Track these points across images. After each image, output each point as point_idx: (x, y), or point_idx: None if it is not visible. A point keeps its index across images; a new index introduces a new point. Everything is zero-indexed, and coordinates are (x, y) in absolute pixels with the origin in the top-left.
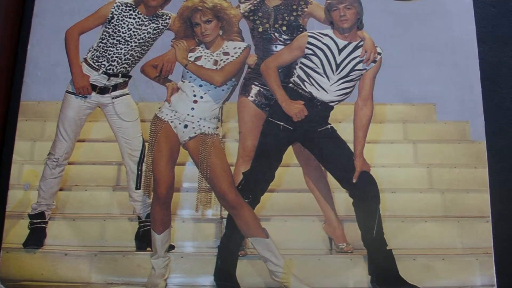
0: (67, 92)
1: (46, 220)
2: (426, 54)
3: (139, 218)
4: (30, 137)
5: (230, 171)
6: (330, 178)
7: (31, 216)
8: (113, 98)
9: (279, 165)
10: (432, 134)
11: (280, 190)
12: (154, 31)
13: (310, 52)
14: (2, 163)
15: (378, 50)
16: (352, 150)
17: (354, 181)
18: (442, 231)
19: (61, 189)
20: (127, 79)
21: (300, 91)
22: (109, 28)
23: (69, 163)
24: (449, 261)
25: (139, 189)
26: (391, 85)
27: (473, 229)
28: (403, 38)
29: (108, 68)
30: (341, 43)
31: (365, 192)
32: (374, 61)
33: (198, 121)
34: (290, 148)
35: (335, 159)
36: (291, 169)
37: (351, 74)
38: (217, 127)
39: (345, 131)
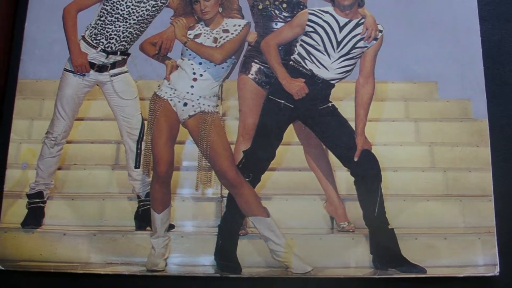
0: (65, 70)
1: (45, 199)
2: (428, 31)
3: (138, 197)
4: (28, 116)
5: (231, 150)
6: (332, 156)
7: (29, 196)
8: (111, 76)
9: (280, 143)
10: (434, 113)
11: (281, 168)
12: (153, 8)
13: (311, 29)
14: (0, 142)
15: (379, 27)
16: (354, 128)
17: (355, 159)
18: (444, 210)
19: (59, 168)
20: (125, 57)
21: (300, 68)
22: (107, 6)
23: (68, 142)
24: (451, 240)
25: (139, 167)
26: (392, 63)
27: (475, 208)
28: (404, 15)
29: (106, 45)
30: (342, 20)
31: (367, 170)
32: (375, 39)
33: (197, 99)
34: (291, 126)
35: (336, 137)
36: (292, 148)
37: (352, 51)
38: (217, 105)
39: (346, 109)
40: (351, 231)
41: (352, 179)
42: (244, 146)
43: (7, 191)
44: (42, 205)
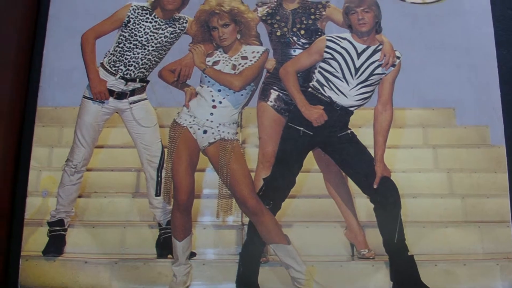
0: (84, 97)
1: (65, 227)
2: (444, 57)
3: (159, 225)
4: (47, 143)
5: (251, 177)
6: (351, 183)
7: (50, 224)
8: (131, 103)
9: (300, 170)
10: (452, 139)
11: (301, 196)
12: (171, 35)
13: (329, 56)
14: (20, 169)
15: (397, 54)
16: (373, 155)
17: (375, 186)
18: (463, 236)
19: (80, 196)
20: (144, 84)
21: (319, 95)
22: (125, 32)
23: (88, 170)
24: (470, 267)
25: (159, 195)
26: (409, 89)
27: (494, 234)
28: (421, 41)
29: (125, 72)
30: (360, 47)
31: (386, 197)
32: (393, 65)
33: (217, 127)
34: (310, 153)
35: (355, 164)
36: (311, 175)
37: (370, 78)
38: (237, 133)
39: (365, 136)
40: (371, 258)
41: (372, 206)
42: (264, 173)
43: (28, 219)
44: (63, 233)
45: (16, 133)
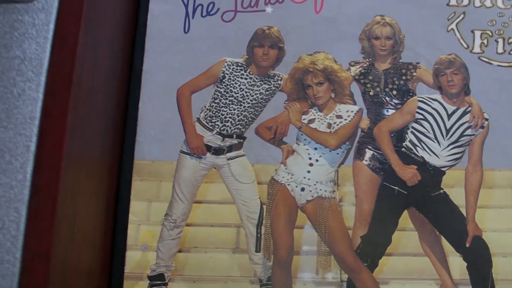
0: (182, 152)
1: (166, 281)
2: None
3: (260, 280)
4: (145, 197)
5: (348, 235)
6: (445, 242)
7: (150, 278)
8: (228, 159)
9: (396, 229)
10: None
11: (397, 253)
12: (267, 92)
13: (421, 117)
14: (118, 223)
15: (485, 116)
16: (464, 214)
17: (467, 245)
18: None
19: (180, 251)
20: (241, 140)
21: (412, 155)
22: (221, 88)
23: (187, 225)
24: None
25: (259, 251)
26: (498, 150)
27: None
28: (509, 103)
29: (222, 128)
30: (450, 108)
31: (478, 256)
32: (482, 127)
33: (314, 184)
34: (405, 212)
35: (448, 223)
36: (407, 233)
37: (460, 139)
38: (334, 191)
39: (457, 196)
40: None
41: (465, 264)
42: (361, 231)
43: (128, 273)
44: (163, 287)
45: (114, 187)
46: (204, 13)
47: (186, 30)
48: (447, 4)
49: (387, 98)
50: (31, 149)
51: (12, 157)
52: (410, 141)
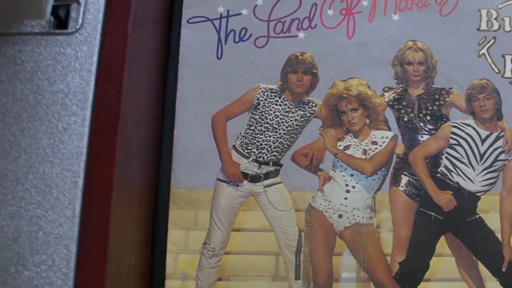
0: (218, 179)
1: None
2: None
3: None
4: (183, 226)
5: (387, 261)
6: (481, 266)
7: None
8: (265, 186)
9: (433, 254)
10: None
11: (435, 279)
12: (302, 119)
13: (455, 142)
14: (156, 252)
15: None
16: (500, 239)
17: (503, 270)
18: None
19: (219, 279)
20: (278, 168)
21: (447, 181)
22: (256, 115)
23: (226, 253)
24: None
25: (299, 279)
26: None
27: None
28: None
29: (258, 155)
30: (483, 133)
31: None
32: None
33: (352, 211)
34: (442, 237)
35: (485, 248)
36: (444, 259)
37: (494, 164)
38: (371, 217)
39: (493, 221)
40: None
41: None
42: (399, 257)
43: None
44: None
45: (151, 216)
46: (237, 39)
47: (219, 56)
48: (478, 29)
49: (421, 123)
50: (79, 185)
51: (60, 193)
52: (445, 166)
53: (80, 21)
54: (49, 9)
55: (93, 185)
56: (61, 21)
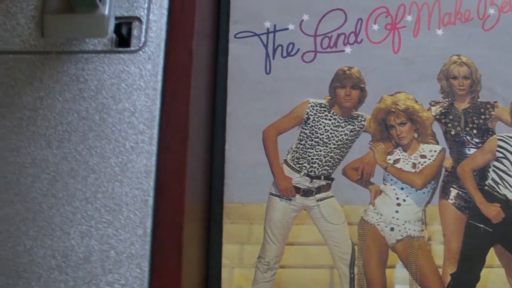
0: (271, 194)
1: None
2: None
3: None
4: (237, 240)
5: (439, 273)
6: None
7: None
8: (318, 200)
9: (483, 266)
10: None
11: None
12: (351, 133)
13: (501, 155)
14: (211, 267)
15: None
16: None
17: None
18: None
19: None
20: (330, 182)
21: (495, 193)
22: (306, 129)
23: (280, 267)
24: None
25: None
26: None
27: None
28: None
29: (309, 170)
30: None
31: None
32: None
33: (403, 224)
34: (492, 249)
35: None
36: (494, 270)
37: None
38: (422, 230)
39: None
40: None
41: None
42: (451, 269)
43: None
44: None
45: (205, 231)
46: (285, 54)
47: (268, 71)
48: None
49: (468, 137)
50: (149, 204)
51: (130, 212)
52: (492, 179)
53: (142, 39)
54: (111, 27)
55: (164, 204)
56: (123, 39)
